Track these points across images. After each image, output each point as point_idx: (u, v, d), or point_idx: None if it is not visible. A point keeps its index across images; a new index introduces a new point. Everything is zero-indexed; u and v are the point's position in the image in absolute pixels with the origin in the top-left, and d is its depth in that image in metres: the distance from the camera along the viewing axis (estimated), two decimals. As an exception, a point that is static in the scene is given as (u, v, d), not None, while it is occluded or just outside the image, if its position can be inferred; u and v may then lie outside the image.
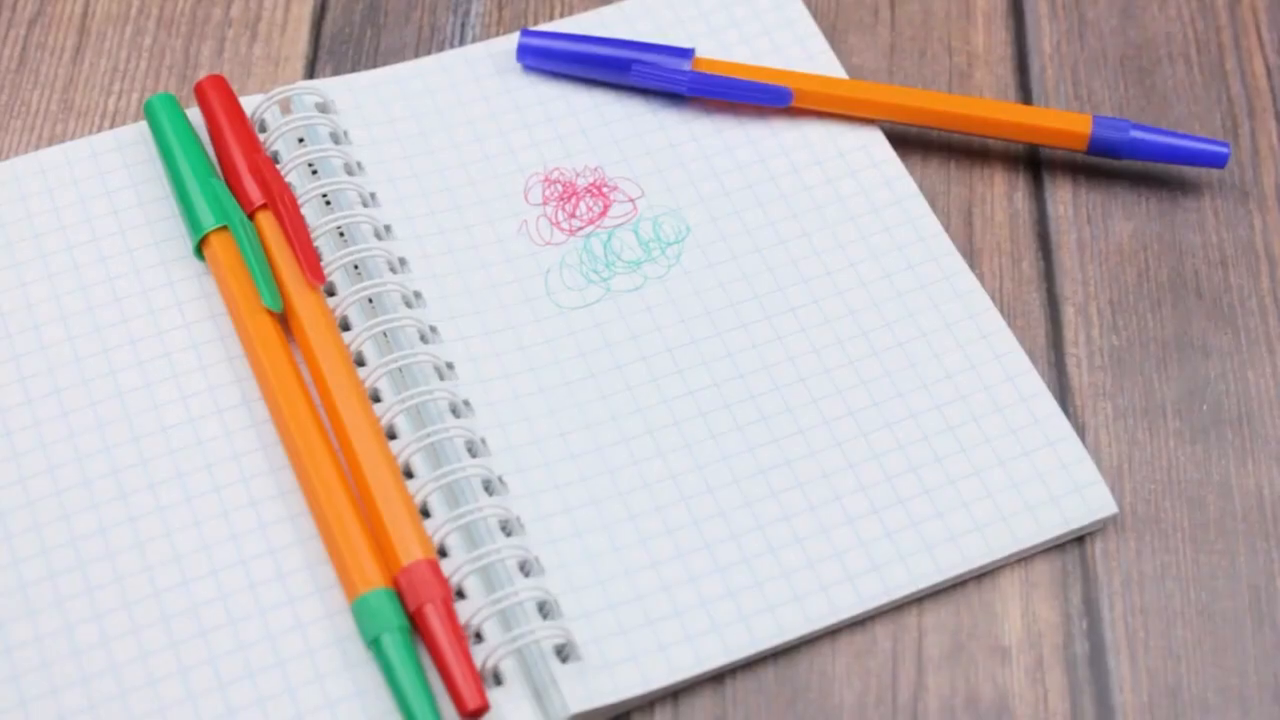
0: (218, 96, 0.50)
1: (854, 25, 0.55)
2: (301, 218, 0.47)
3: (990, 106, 0.50)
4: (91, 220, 0.49)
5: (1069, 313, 0.49)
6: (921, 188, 0.51)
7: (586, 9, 0.54)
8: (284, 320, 0.47)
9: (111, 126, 0.52)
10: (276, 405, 0.45)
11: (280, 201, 0.47)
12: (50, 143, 0.51)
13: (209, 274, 0.48)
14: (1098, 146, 0.50)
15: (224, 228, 0.47)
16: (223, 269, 0.47)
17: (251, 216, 0.48)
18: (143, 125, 0.50)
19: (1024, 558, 0.44)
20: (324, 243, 0.48)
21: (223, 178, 0.49)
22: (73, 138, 0.51)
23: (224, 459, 0.45)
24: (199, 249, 0.47)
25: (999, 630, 0.43)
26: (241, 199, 0.48)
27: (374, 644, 0.41)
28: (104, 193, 0.49)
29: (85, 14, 0.54)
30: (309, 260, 0.46)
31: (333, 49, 0.54)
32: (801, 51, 0.53)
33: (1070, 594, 0.44)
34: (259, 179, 0.48)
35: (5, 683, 0.41)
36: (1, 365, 0.46)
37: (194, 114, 0.50)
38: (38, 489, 0.44)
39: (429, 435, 0.44)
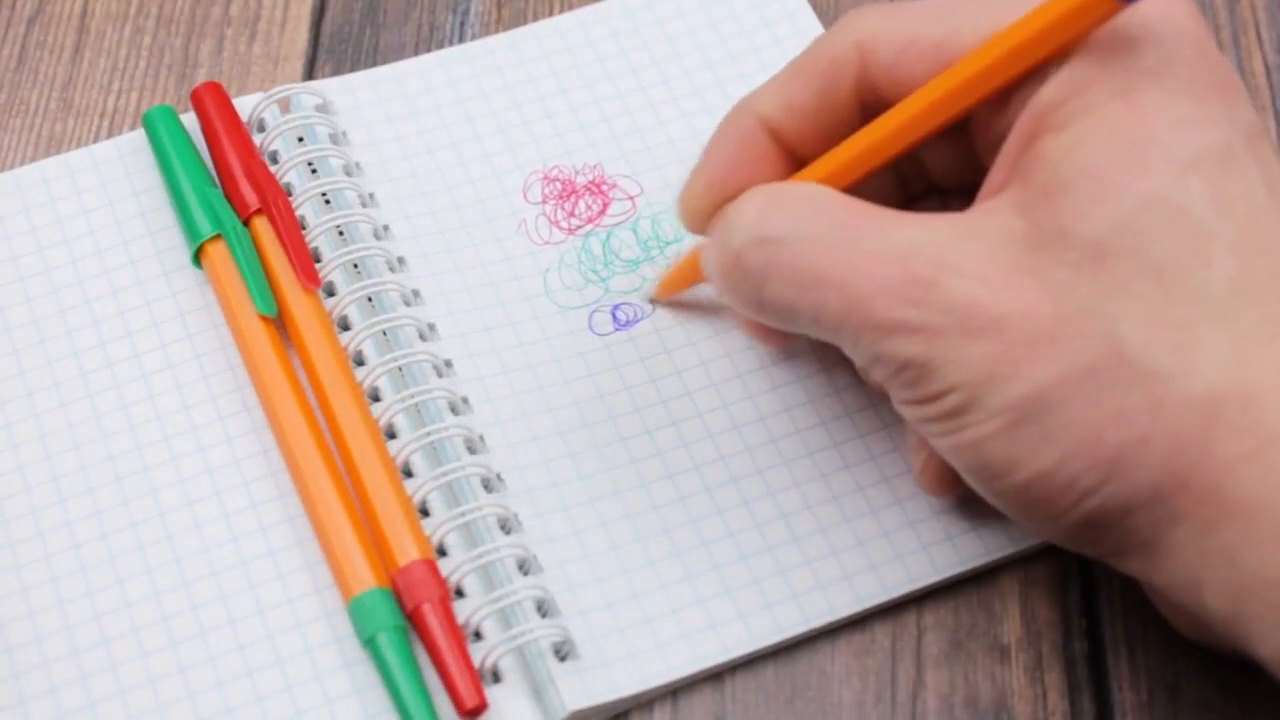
0: (213, 103, 0.50)
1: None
2: (296, 221, 0.48)
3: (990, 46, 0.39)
4: (95, 232, 0.49)
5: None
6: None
7: (585, 4, 0.54)
8: (281, 324, 0.47)
9: (111, 125, 0.52)
10: (271, 409, 0.45)
11: (274, 206, 0.47)
12: (50, 141, 0.51)
13: (210, 282, 0.48)
14: None
15: (219, 235, 0.47)
16: (218, 276, 0.47)
17: (247, 222, 0.48)
18: (143, 133, 0.50)
19: (1023, 556, 0.44)
20: (323, 242, 0.48)
21: (219, 185, 0.49)
22: (72, 136, 0.51)
23: (225, 464, 0.45)
24: (196, 258, 0.48)
25: (998, 629, 0.43)
26: (237, 204, 0.48)
27: (369, 644, 0.42)
28: (107, 203, 0.49)
29: (84, 13, 0.54)
30: (303, 264, 0.47)
31: (332, 48, 0.54)
32: (802, 46, 0.53)
33: (1070, 592, 0.44)
34: (253, 184, 0.48)
35: (5, 681, 0.42)
36: (7, 380, 0.46)
37: (190, 118, 0.50)
38: (42, 497, 0.45)
39: (428, 434, 0.45)
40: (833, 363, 0.47)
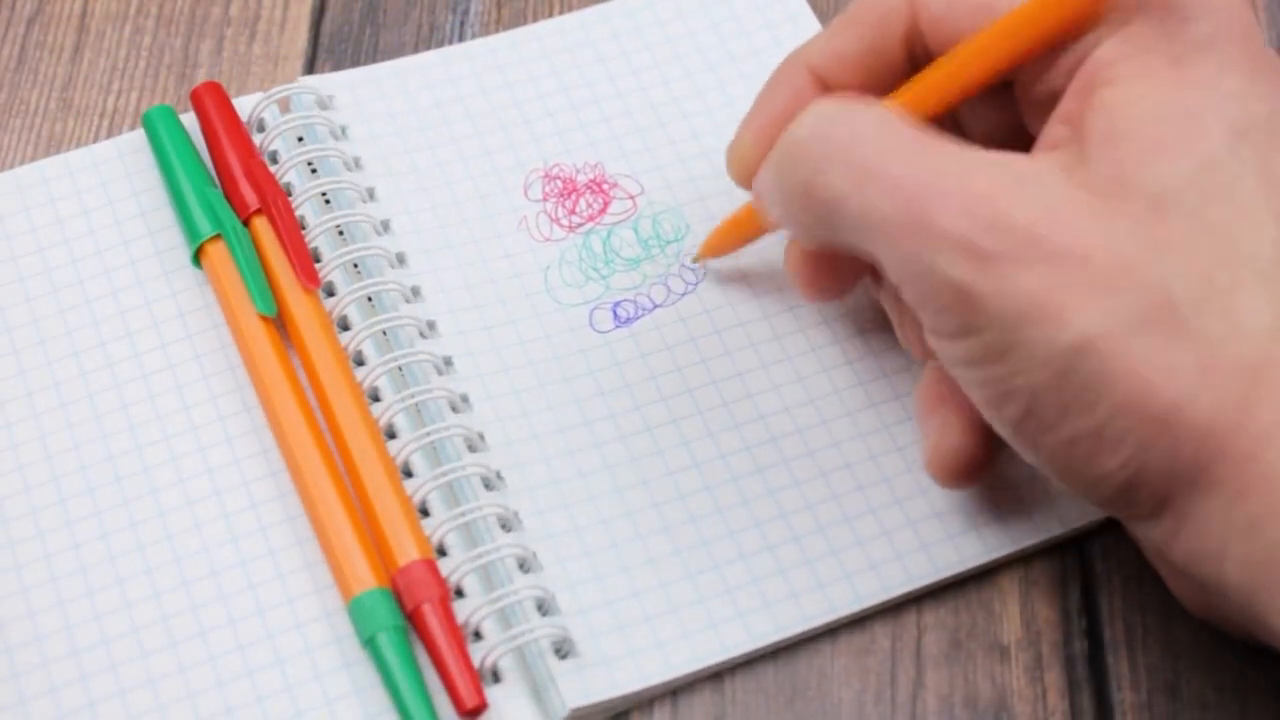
0: (213, 103, 0.50)
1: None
2: (295, 221, 0.48)
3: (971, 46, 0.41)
4: (95, 232, 0.49)
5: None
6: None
7: (585, 5, 0.54)
8: (281, 324, 0.47)
9: (111, 125, 0.52)
10: (271, 409, 0.45)
11: (274, 205, 0.47)
12: (50, 141, 0.51)
13: (210, 282, 0.48)
14: None
15: (219, 235, 0.47)
16: (218, 276, 0.47)
17: (247, 222, 0.48)
18: (142, 133, 0.50)
19: (1023, 556, 0.44)
20: (323, 241, 0.48)
21: (219, 185, 0.49)
22: (72, 136, 0.51)
23: (225, 464, 0.45)
24: (196, 258, 0.48)
25: (998, 628, 0.43)
26: (237, 205, 0.48)
27: (369, 644, 0.42)
28: (107, 203, 0.49)
29: (84, 13, 0.54)
30: (303, 264, 0.47)
31: (332, 48, 0.54)
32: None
33: (1069, 592, 0.44)
34: (253, 184, 0.48)
35: (5, 681, 0.42)
36: (7, 380, 0.46)
37: (190, 118, 0.50)
38: (42, 497, 0.45)
39: (428, 433, 0.45)
40: (833, 363, 0.47)
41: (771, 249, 0.48)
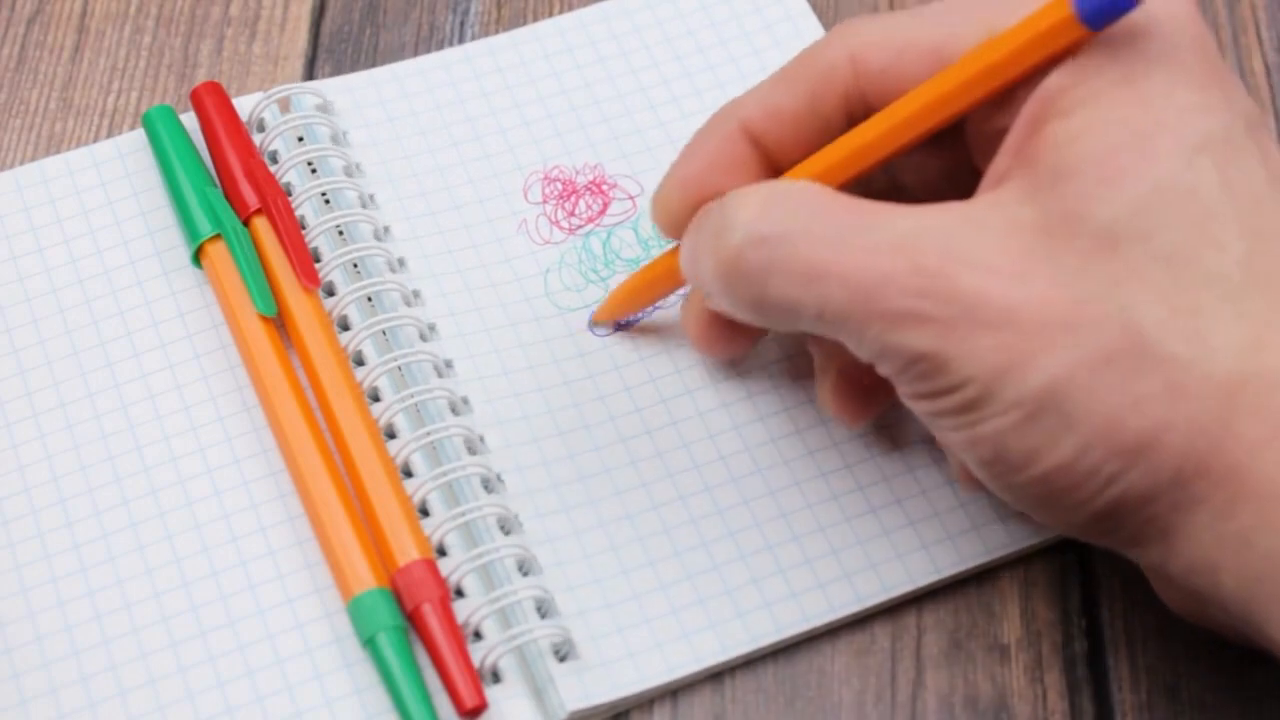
0: (213, 103, 0.50)
1: (854, 22, 0.54)
2: (295, 221, 0.48)
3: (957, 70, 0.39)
4: (95, 232, 0.49)
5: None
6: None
7: (585, 5, 0.54)
8: (281, 324, 0.47)
9: (111, 125, 0.52)
10: (270, 409, 0.45)
11: (274, 206, 0.47)
12: (50, 141, 0.51)
13: (210, 282, 0.48)
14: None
15: (219, 235, 0.47)
16: (218, 276, 0.47)
17: (247, 222, 0.48)
18: (143, 132, 0.50)
19: (1023, 556, 0.44)
20: (323, 241, 0.48)
21: (219, 185, 0.49)
22: (72, 136, 0.51)
23: (224, 464, 0.45)
24: (196, 257, 0.48)
25: (998, 629, 0.43)
26: (237, 204, 0.48)
27: (369, 644, 0.42)
28: (107, 203, 0.49)
29: (84, 13, 0.54)
30: (303, 264, 0.47)
31: (332, 48, 0.54)
32: (802, 47, 0.53)
33: (1069, 592, 0.44)
34: (253, 184, 0.48)
35: (5, 682, 0.42)
36: (7, 380, 0.46)
37: (190, 118, 0.50)
38: (42, 498, 0.45)
39: (428, 434, 0.45)
40: (833, 363, 0.47)
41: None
